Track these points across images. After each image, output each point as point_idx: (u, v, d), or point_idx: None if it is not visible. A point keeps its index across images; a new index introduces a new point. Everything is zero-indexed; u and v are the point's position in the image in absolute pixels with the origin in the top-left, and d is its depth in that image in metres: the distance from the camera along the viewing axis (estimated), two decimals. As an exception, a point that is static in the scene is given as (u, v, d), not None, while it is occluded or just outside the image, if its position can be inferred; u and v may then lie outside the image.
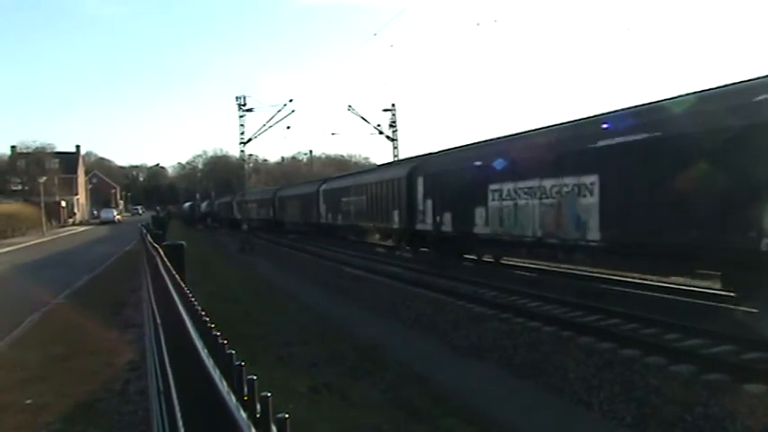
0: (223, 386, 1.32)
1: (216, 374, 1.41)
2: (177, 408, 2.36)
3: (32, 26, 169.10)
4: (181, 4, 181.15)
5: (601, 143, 12.41)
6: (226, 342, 1.50)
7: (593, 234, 12.59)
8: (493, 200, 16.30)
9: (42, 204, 60.48)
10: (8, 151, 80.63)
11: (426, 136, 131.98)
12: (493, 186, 16.29)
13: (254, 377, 1.22)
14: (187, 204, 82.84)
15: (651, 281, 13.83)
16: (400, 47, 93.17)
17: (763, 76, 9.70)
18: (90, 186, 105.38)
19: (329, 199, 34.34)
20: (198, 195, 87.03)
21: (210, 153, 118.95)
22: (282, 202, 46.97)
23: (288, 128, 43.58)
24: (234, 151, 67.68)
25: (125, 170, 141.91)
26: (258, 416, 1.13)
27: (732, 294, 10.17)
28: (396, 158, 43.16)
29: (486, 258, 19.95)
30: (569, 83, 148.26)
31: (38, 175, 67.82)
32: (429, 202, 20.68)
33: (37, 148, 77.41)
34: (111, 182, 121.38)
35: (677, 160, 10.42)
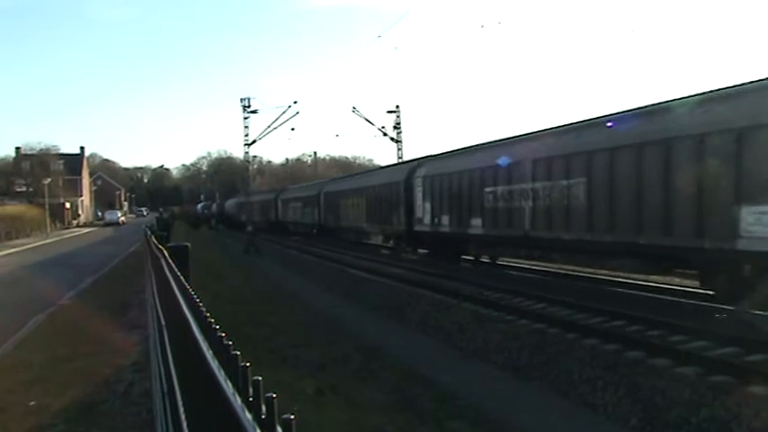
0: (228, 387, 1.31)
1: (221, 375, 1.40)
2: (181, 409, 2.35)
3: (35, 29, 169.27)
4: (184, 6, 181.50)
5: None
6: (230, 343, 1.49)
7: None
8: None
9: (47, 206, 60.61)
10: (13, 153, 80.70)
11: (431, 138, 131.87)
12: None
13: (260, 378, 1.21)
14: (200, 205, 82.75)
15: (657, 282, 13.80)
16: (404, 49, 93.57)
17: None
18: (94, 188, 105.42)
19: (441, 191, 21.08)
20: (202, 196, 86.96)
21: (215, 155, 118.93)
22: (331, 200, 33.31)
23: (292, 129, 43.86)
24: (238, 153, 67.79)
25: (129, 172, 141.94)
26: (263, 417, 1.12)
27: None
28: (400, 160, 42.21)
29: None
30: (573, 84, 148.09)
31: (42, 176, 67.77)
32: None
33: (41, 149, 77.35)
34: (115, 183, 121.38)
35: None
